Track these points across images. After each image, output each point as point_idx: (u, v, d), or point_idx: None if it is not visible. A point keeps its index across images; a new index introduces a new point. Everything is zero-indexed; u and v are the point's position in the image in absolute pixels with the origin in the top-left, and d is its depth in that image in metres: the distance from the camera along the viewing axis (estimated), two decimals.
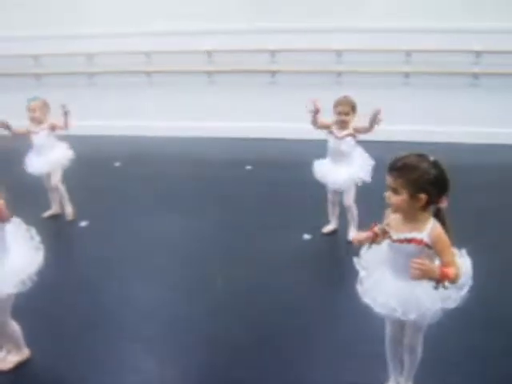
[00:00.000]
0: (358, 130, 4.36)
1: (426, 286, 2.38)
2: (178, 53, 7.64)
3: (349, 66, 7.36)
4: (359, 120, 4.38)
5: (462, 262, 2.43)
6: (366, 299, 2.52)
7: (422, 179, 2.28)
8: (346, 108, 4.30)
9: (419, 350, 2.65)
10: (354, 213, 4.56)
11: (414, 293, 2.40)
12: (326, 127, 4.41)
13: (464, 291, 2.40)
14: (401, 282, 2.45)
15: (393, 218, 2.47)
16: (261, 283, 3.99)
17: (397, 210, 2.41)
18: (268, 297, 3.81)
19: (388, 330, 2.71)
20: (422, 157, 2.34)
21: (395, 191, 2.35)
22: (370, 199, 3.90)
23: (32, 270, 2.85)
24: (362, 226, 4.56)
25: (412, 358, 2.68)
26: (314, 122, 4.39)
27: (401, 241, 2.40)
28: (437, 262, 2.39)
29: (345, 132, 4.35)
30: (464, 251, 2.49)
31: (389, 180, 2.37)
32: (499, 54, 6.88)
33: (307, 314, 3.60)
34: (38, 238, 2.94)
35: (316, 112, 4.31)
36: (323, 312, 3.61)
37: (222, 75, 7.83)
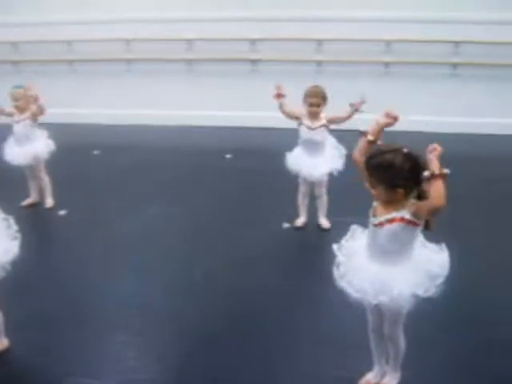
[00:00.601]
0: (332, 121, 4.36)
1: (401, 270, 2.43)
2: (158, 40, 7.60)
3: (329, 55, 7.38)
4: (333, 110, 4.39)
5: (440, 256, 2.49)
6: (342, 283, 2.54)
7: (396, 177, 2.33)
8: (318, 100, 4.27)
9: (400, 340, 2.67)
10: (324, 201, 4.61)
11: (388, 277, 2.44)
12: (295, 118, 4.40)
13: (438, 281, 2.42)
14: (377, 266, 2.48)
15: (375, 203, 2.51)
16: (241, 272, 4.00)
17: (378, 199, 2.47)
18: (248, 286, 3.82)
19: (369, 319, 2.74)
20: (395, 152, 2.35)
21: (373, 185, 2.41)
22: (338, 187, 3.94)
23: (6, 260, 2.82)
24: (330, 215, 4.63)
25: (394, 348, 2.71)
26: (281, 108, 4.38)
27: (381, 223, 2.43)
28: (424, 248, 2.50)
29: (318, 123, 4.35)
30: (443, 245, 2.52)
31: (367, 175, 2.42)
32: (478, 45, 6.95)
33: (288, 303, 3.61)
34: (15, 228, 2.92)
35: (278, 96, 4.34)
36: (304, 301, 3.63)
37: (203, 64, 7.79)
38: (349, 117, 4.28)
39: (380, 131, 2.57)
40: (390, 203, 2.42)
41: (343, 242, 2.65)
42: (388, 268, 2.46)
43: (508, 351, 3.08)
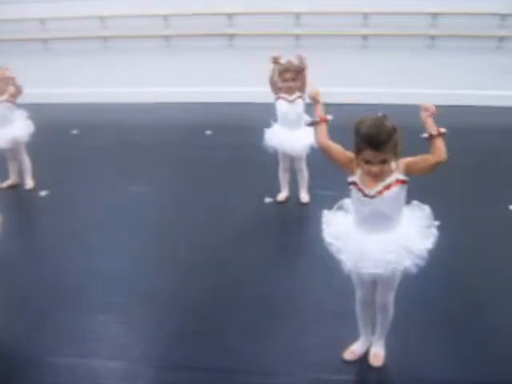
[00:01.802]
0: (300, 88, 4.35)
1: (407, 230, 2.50)
2: (134, 17, 7.49)
3: (307, 28, 7.34)
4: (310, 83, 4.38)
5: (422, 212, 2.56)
6: (359, 264, 2.52)
7: (397, 137, 2.38)
8: (292, 74, 4.30)
9: (391, 308, 2.72)
10: (305, 175, 4.65)
11: (401, 240, 2.49)
12: (278, 89, 4.39)
13: (434, 232, 2.50)
14: (383, 236, 2.51)
15: (359, 176, 2.50)
16: (224, 246, 4.03)
17: (381, 173, 2.43)
18: (232, 260, 3.86)
19: (359, 294, 2.76)
20: (383, 119, 2.38)
21: (384, 162, 2.38)
22: (317, 161, 3.95)
23: None
24: (310, 188, 4.66)
25: (385, 317, 2.75)
26: (272, 75, 4.37)
27: (380, 192, 2.44)
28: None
29: (295, 95, 4.36)
30: (416, 202, 2.59)
31: (376, 156, 2.36)
32: (455, 16, 6.96)
33: (270, 275, 3.66)
34: None
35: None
36: (286, 273, 3.68)
37: (180, 39, 7.71)
38: (304, 74, 4.31)
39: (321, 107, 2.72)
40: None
41: (324, 226, 2.65)
42: (394, 233, 2.50)
43: (489, 318, 3.18)
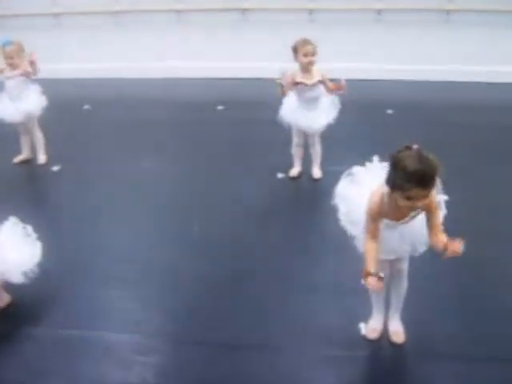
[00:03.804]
0: (324, 82, 4.28)
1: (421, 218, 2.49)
2: None
3: (321, 3, 7.23)
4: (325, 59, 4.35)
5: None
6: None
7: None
8: (313, 47, 4.20)
9: (406, 280, 2.76)
10: (318, 150, 4.62)
11: (415, 229, 2.52)
12: (294, 83, 4.25)
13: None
14: (401, 229, 2.53)
15: (382, 206, 2.40)
16: (237, 223, 4.03)
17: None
18: (244, 237, 3.87)
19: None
20: (424, 153, 2.22)
21: (426, 196, 2.25)
22: (330, 136, 3.93)
23: (32, 264, 3.02)
24: (322, 164, 4.64)
25: (400, 289, 2.78)
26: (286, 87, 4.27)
27: (407, 222, 2.48)
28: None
29: (314, 79, 4.26)
30: None
31: (423, 192, 2.21)
32: None
33: (284, 252, 3.66)
34: (34, 236, 3.09)
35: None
36: (300, 250, 3.67)
37: (192, 14, 7.63)
38: (331, 91, 4.30)
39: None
40: None
41: (342, 208, 2.68)
42: (411, 223, 2.52)
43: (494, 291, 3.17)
